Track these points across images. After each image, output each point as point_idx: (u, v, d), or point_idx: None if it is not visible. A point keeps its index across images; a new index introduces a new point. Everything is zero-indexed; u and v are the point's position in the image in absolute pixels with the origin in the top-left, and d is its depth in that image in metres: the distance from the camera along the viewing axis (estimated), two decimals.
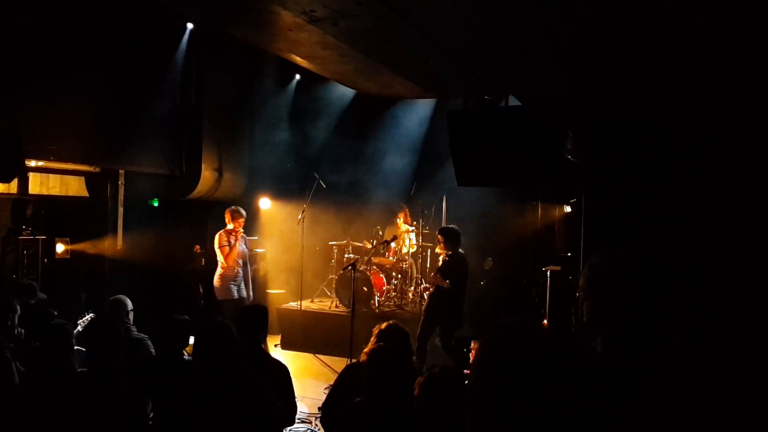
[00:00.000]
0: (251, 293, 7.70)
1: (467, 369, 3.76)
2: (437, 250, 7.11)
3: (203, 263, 9.72)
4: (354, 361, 3.90)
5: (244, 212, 7.61)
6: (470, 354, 4.20)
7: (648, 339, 1.67)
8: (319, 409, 5.69)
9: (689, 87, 4.68)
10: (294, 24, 3.56)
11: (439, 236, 6.83)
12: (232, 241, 7.45)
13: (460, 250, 6.72)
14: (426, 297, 7.13)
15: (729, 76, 4.38)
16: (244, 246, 7.64)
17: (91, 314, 4.79)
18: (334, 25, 3.56)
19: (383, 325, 3.89)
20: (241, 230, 7.57)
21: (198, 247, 9.84)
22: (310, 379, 7.00)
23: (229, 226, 7.48)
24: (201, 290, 9.73)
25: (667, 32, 3.71)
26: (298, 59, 4.63)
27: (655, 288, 1.70)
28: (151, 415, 3.49)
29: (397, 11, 3.25)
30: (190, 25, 9.10)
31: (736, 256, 4.33)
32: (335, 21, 3.48)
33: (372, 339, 3.84)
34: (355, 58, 4.38)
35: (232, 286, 7.35)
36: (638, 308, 1.67)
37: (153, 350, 4.53)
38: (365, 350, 3.82)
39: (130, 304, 4.79)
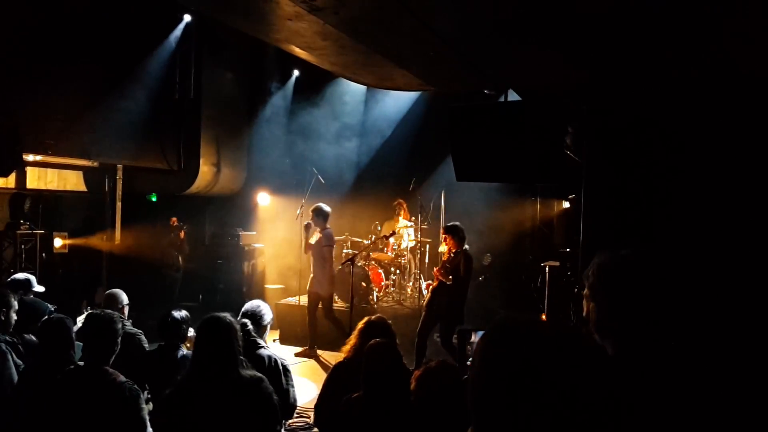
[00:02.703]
0: (327, 289, 7.78)
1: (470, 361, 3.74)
2: (441, 248, 7.06)
3: (182, 235, 9.90)
4: (342, 359, 3.87)
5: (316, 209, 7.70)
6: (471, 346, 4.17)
7: (660, 338, 1.65)
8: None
9: (690, 81, 4.66)
10: (293, 13, 3.53)
11: (444, 234, 6.78)
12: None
13: (466, 246, 6.68)
14: (428, 292, 7.10)
15: (731, 70, 4.37)
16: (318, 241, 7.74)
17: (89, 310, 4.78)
18: (335, 14, 3.53)
19: (364, 322, 3.86)
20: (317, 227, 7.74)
21: (175, 219, 10.00)
22: (308, 373, 7.00)
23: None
24: (180, 261, 9.97)
25: (669, 27, 3.70)
26: (297, 50, 4.60)
27: (666, 286, 1.67)
28: (150, 408, 3.48)
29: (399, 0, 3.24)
30: (187, 17, 9.07)
31: (738, 252, 4.31)
32: (336, 10, 3.45)
33: (355, 335, 3.81)
34: (355, 50, 4.35)
35: None
36: (649, 307, 1.64)
37: (146, 345, 4.51)
38: (348, 347, 3.79)
39: (125, 299, 4.78)
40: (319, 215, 7.62)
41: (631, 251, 1.71)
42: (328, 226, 7.73)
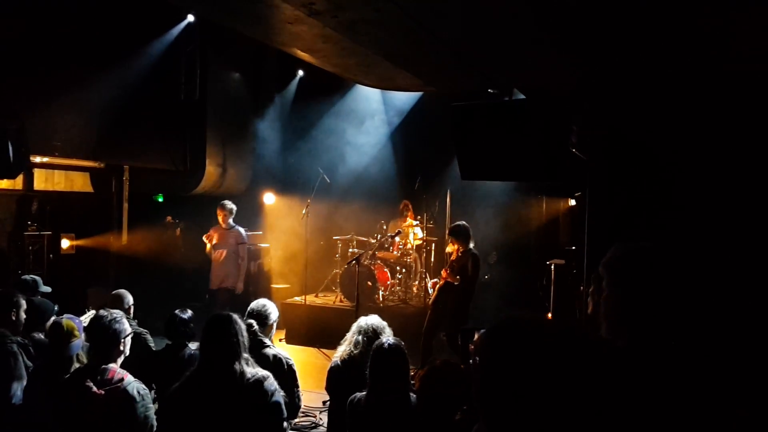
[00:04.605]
0: (239, 284, 7.88)
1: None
2: (448, 249, 7.05)
3: (178, 233, 10.00)
4: (341, 359, 3.86)
5: (222, 205, 7.96)
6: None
7: (675, 331, 1.64)
8: (323, 403, 5.70)
9: (694, 80, 4.65)
10: (293, 17, 3.55)
11: (449, 237, 6.78)
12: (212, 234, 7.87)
13: (471, 244, 6.67)
14: (434, 290, 7.09)
15: (736, 69, 4.36)
16: (228, 239, 7.86)
17: (92, 311, 4.81)
18: (334, 17, 3.55)
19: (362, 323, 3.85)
20: (223, 223, 7.92)
21: (170, 217, 10.11)
22: (314, 373, 7.02)
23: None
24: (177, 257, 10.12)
25: (673, 24, 3.69)
26: (299, 53, 4.63)
27: (682, 279, 1.66)
28: (156, 407, 3.51)
29: (397, 3, 3.24)
30: (190, 17, 9.10)
31: (742, 252, 4.31)
32: (335, 13, 3.47)
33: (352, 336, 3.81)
34: (356, 52, 4.37)
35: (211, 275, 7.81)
36: (664, 299, 1.63)
37: (153, 344, 4.55)
38: (346, 350, 3.79)
39: (130, 299, 4.83)
40: (231, 212, 7.87)
41: (650, 243, 1.70)
42: (233, 223, 7.88)
